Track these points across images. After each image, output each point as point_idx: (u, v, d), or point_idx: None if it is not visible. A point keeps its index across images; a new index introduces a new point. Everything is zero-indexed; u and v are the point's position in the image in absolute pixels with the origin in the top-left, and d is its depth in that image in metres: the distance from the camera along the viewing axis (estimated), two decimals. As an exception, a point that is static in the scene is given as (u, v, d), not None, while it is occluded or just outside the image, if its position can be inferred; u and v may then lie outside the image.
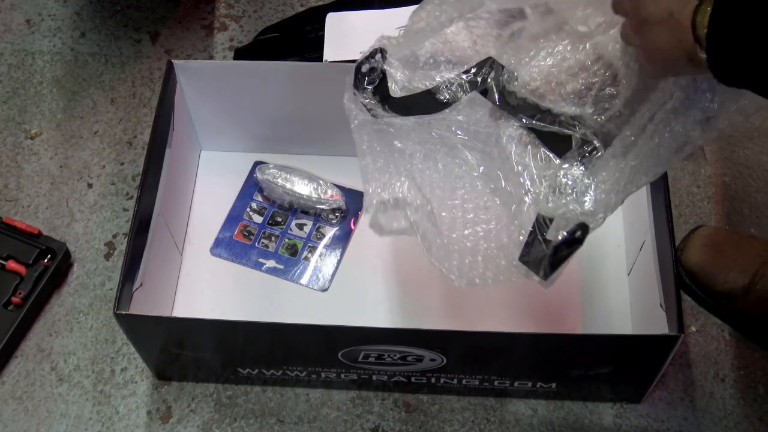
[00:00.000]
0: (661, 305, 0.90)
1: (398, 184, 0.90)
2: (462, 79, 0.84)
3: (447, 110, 0.84)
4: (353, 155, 1.11)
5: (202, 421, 1.01)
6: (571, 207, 0.78)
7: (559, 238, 0.77)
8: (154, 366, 1.02)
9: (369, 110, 0.87)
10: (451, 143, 0.87)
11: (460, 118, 0.85)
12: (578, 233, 0.77)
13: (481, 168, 0.86)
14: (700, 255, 1.05)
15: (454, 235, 0.90)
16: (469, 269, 0.87)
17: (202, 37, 1.33)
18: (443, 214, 0.91)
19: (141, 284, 0.93)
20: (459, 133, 0.86)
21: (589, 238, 0.79)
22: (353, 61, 0.89)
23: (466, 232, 0.91)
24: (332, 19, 1.23)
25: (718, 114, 0.73)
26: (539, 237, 0.79)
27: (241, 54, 1.28)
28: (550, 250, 0.78)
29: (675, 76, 0.73)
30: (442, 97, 0.84)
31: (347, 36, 1.21)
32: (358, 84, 0.87)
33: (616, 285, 1.07)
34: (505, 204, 0.84)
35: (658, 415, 1.00)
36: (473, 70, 0.83)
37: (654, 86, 0.76)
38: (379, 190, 0.90)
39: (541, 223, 0.79)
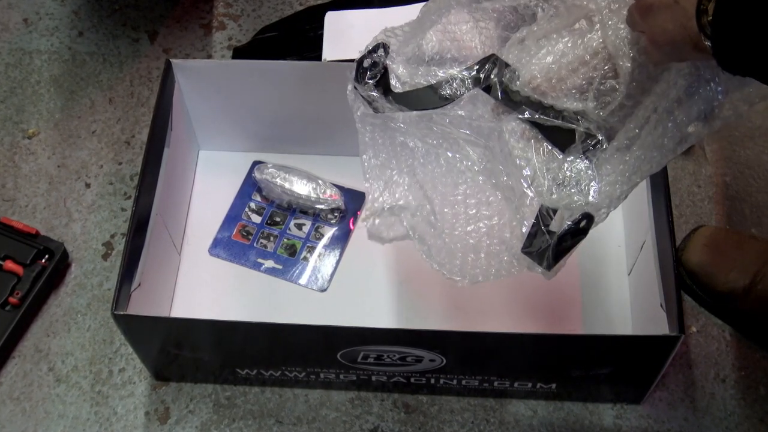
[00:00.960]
0: (661, 305, 0.90)
1: (399, 181, 0.89)
2: (464, 75, 0.83)
3: (449, 106, 0.84)
4: (352, 155, 1.11)
5: (200, 422, 1.01)
6: (575, 198, 0.77)
7: (564, 227, 0.77)
8: (152, 366, 1.02)
9: (370, 103, 0.87)
10: (452, 138, 0.86)
11: (461, 113, 0.84)
12: (583, 223, 0.77)
13: (483, 163, 0.86)
14: (701, 255, 1.04)
15: (456, 232, 0.90)
16: (472, 267, 0.87)
17: (200, 36, 1.32)
18: (445, 210, 0.91)
19: (139, 284, 0.93)
20: (461, 128, 0.85)
21: (590, 239, 0.78)
22: (352, 61, 0.89)
23: (468, 228, 0.90)
24: (331, 18, 1.22)
25: (722, 103, 0.73)
26: (542, 228, 0.79)
27: (239, 53, 1.28)
28: (554, 240, 0.77)
29: (679, 62, 0.73)
30: (444, 93, 0.84)
31: (346, 35, 1.20)
32: (359, 78, 0.87)
33: (617, 285, 1.07)
34: (508, 199, 0.83)
35: (658, 416, 1.00)
36: (476, 67, 0.83)
37: (657, 78, 0.75)
38: (377, 194, 0.89)
39: (544, 214, 0.79)
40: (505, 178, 0.83)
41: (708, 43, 0.63)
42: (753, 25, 0.60)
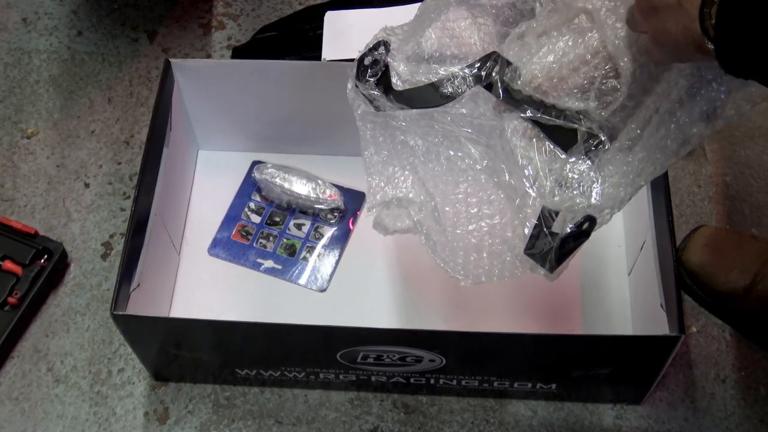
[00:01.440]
0: (661, 305, 0.89)
1: (402, 178, 0.89)
2: (466, 73, 0.83)
3: (450, 103, 0.84)
4: (352, 155, 1.11)
5: (199, 423, 1.01)
6: (577, 200, 0.77)
7: (567, 230, 0.77)
8: (151, 367, 1.02)
9: (371, 102, 0.86)
10: (454, 136, 0.86)
11: (463, 111, 0.84)
12: (585, 225, 0.76)
13: (485, 161, 0.85)
14: (701, 255, 1.04)
15: (458, 231, 0.90)
16: (475, 267, 0.87)
17: (199, 35, 1.32)
18: (447, 208, 0.91)
19: (138, 285, 0.93)
20: (462, 126, 0.85)
21: (590, 239, 0.78)
22: (352, 60, 0.88)
23: (470, 227, 0.90)
24: (331, 18, 1.22)
25: (725, 102, 0.72)
26: (545, 230, 0.78)
27: (239, 53, 1.28)
28: (556, 243, 0.77)
29: (681, 63, 0.72)
30: (445, 91, 0.84)
31: (346, 35, 1.20)
32: (360, 76, 0.86)
33: (617, 285, 1.06)
34: (510, 198, 0.83)
35: (658, 416, 1.00)
36: (477, 65, 0.83)
37: (659, 78, 0.75)
38: (382, 185, 0.89)
39: (547, 216, 0.78)
40: (507, 177, 0.82)
41: (711, 46, 0.63)
42: (756, 29, 0.60)
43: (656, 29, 0.68)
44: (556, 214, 0.78)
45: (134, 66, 1.29)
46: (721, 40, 0.62)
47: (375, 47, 0.87)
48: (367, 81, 0.86)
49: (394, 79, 0.86)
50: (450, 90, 0.84)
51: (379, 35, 0.88)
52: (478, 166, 0.86)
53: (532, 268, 0.81)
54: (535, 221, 0.79)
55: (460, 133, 0.85)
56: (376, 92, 0.86)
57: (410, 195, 0.88)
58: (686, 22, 0.64)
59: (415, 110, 0.85)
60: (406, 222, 0.89)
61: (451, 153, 0.87)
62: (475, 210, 0.90)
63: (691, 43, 0.65)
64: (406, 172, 0.89)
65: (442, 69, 0.86)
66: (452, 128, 0.85)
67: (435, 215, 0.88)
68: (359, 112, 0.88)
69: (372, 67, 0.86)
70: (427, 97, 0.85)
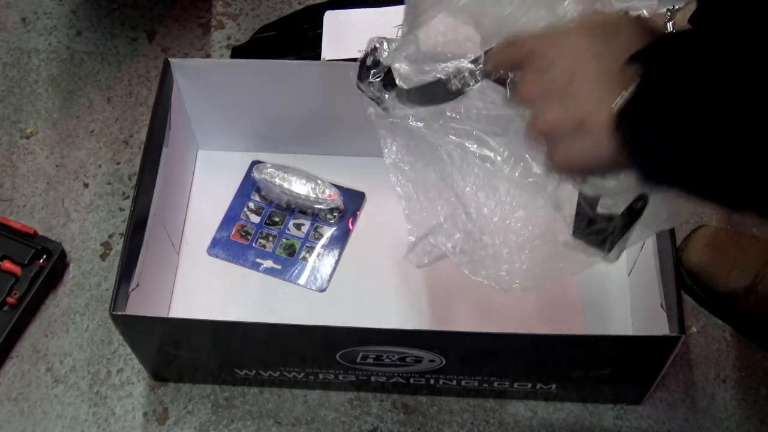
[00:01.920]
0: (661, 306, 0.89)
1: (430, 189, 0.88)
2: (472, 67, 0.82)
3: (460, 98, 0.82)
4: (352, 155, 1.11)
5: (199, 423, 1.01)
6: (613, 184, 0.74)
7: (622, 210, 0.73)
8: (150, 367, 1.01)
9: (379, 104, 0.85)
10: (472, 131, 0.85)
11: (475, 103, 0.82)
12: (639, 204, 0.73)
13: (507, 153, 0.83)
14: (701, 255, 1.04)
15: (491, 227, 0.88)
16: (519, 268, 0.85)
17: (199, 35, 1.32)
18: (482, 207, 0.88)
19: (137, 285, 0.93)
20: (478, 119, 0.83)
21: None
22: (352, 60, 0.88)
23: (507, 221, 0.87)
24: (330, 18, 1.22)
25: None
26: (591, 214, 0.75)
27: (238, 53, 1.28)
28: (614, 224, 0.72)
29: (593, 176, 0.67)
30: (453, 87, 0.82)
31: (345, 34, 1.20)
32: (363, 77, 0.85)
33: (617, 285, 1.06)
34: (539, 187, 0.81)
35: (658, 417, 1.00)
36: (482, 60, 0.81)
37: None
38: (417, 227, 0.88)
39: (585, 203, 0.76)
40: (532, 166, 0.81)
41: (625, 155, 0.58)
42: (672, 132, 0.54)
43: (559, 152, 0.62)
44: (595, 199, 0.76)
45: (133, 66, 1.29)
46: (634, 147, 0.56)
47: (374, 49, 0.86)
48: (371, 83, 0.85)
49: (397, 80, 0.85)
50: (458, 85, 0.82)
51: (374, 41, 0.86)
52: (499, 158, 0.84)
53: (588, 255, 0.76)
54: (568, 210, 0.77)
55: (478, 127, 0.84)
56: (383, 93, 0.85)
57: (444, 210, 0.87)
58: (597, 139, 0.59)
59: (426, 109, 0.84)
60: (441, 249, 0.87)
61: (475, 151, 0.85)
62: (507, 198, 0.87)
63: (606, 156, 0.59)
64: (432, 184, 0.88)
65: (446, 65, 0.84)
66: (469, 123, 0.84)
67: (468, 227, 0.86)
68: (381, 131, 0.86)
69: (374, 67, 0.85)
70: (435, 94, 0.83)
